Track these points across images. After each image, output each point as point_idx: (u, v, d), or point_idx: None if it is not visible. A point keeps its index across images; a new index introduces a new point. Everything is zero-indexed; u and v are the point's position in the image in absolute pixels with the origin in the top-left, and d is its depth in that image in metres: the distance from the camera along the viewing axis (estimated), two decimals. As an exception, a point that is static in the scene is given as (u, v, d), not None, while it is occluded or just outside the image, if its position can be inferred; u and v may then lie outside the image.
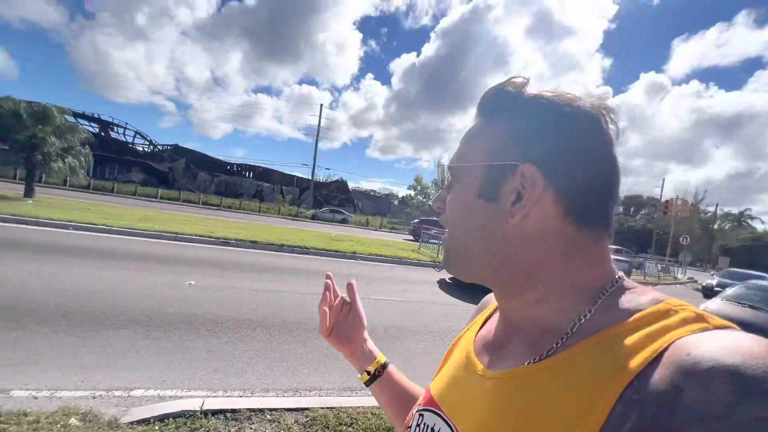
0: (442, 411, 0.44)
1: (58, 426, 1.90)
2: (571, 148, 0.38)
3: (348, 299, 0.67)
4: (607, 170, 0.38)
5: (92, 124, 38.90)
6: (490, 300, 0.55)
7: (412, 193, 48.99)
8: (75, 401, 2.27)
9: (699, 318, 0.32)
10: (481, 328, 0.51)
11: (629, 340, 0.32)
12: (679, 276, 18.36)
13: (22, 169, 13.65)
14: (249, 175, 46.98)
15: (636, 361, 0.30)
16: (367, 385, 0.66)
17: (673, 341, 0.30)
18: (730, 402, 0.25)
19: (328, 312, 0.64)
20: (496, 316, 0.48)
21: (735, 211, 53.40)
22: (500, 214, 0.39)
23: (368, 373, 0.65)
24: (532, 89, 0.41)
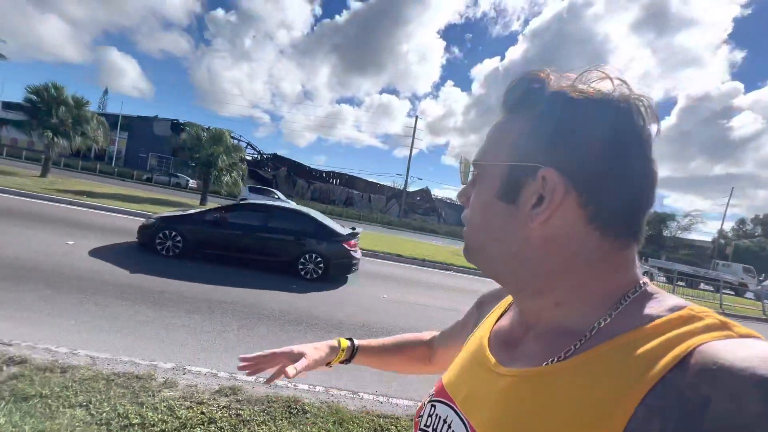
0: (454, 403, 0.43)
1: None
2: (598, 151, 0.35)
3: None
4: (638, 175, 0.36)
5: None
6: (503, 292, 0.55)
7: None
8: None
9: (723, 325, 0.31)
10: (497, 321, 0.50)
11: (650, 345, 0.31)
12: (726, 293, 14.35)
13: (199, 181, 16.32)
14: (336, 182, 49.71)
15: (658, 366, 0.29)
16: (346, 363, 0.73)
17: (696, 347, 0.29)
18: (762, 413, 0.24)
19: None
20: (512, 311, 0.48)
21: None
22: (520, 218, 0.38)
23: (343, 361, 0.73)
24: (557, 83, 0.38)
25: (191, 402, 2.40)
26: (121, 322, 3.42)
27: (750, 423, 0.24)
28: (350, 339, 0.74)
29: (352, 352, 0.72)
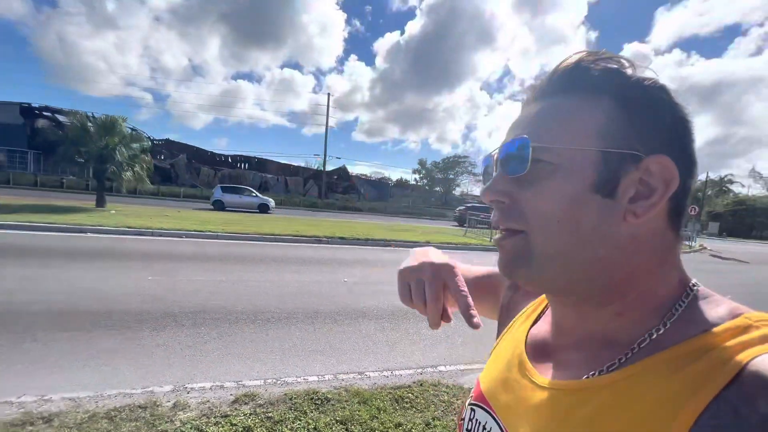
0: (493, 411, 0.42)
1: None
2: (683, 143, 0.34)
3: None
4: (696, 167, 0.35)
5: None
6: None
7: (417, 177, 49.45)
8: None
9: None
10: (534, 323, 0.47)
11: (703, 359, 0.28)
12: (693, 244, 19.74)
13: (92, 180, 13.86)
14: (245, 166, 46.52)
15: (712, 383, 0.27)
16: None
17: (752, 360, 0.27)
18: None
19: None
20: (550, 314, 0.44)
21: (716, 177, 55.99)
22: (618, 213, 0.33)
23: None
24: (639, 72, 0.35)
25: (215, 417, 2.35)
26: (80, 356, 3.01)
27: None
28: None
29: None
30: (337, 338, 3.82)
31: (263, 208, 19.65)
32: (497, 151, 0.39)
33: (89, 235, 7.76)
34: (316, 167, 48.92)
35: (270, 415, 2.41)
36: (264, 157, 47.18)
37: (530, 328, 0.46)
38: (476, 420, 0.44)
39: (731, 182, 54.83)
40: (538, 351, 0.42)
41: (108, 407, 2.37)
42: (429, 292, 0.46)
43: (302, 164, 48.45)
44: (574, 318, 0.39)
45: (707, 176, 51.35)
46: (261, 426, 2.29)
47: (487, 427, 0.42)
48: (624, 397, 0.31)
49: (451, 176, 52.74)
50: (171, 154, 42.88)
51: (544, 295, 0.48)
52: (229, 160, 47.02)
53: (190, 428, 2.21)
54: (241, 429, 2.24)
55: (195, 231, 8.80)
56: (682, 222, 0.35)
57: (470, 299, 0.44)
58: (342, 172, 50.28)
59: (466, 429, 0.46)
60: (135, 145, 12.17)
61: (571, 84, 0.36)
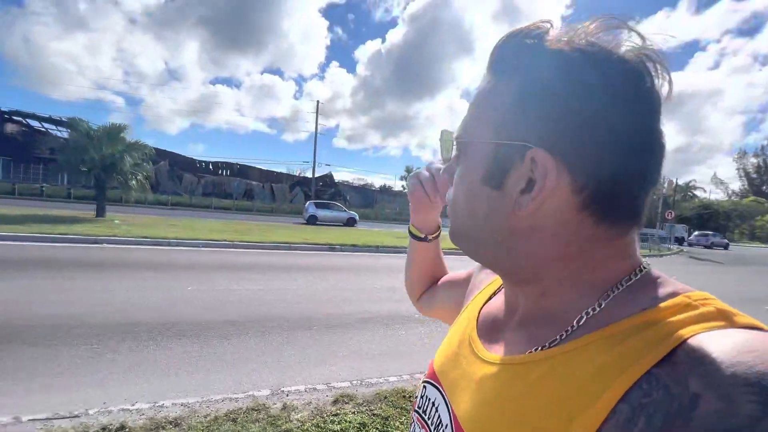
0: (442, 387, 0.43)
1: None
2: (597, 124, 0.30)
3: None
4: (643, 151, 0.31)
5: (59, 128, 36.64)
6: None
7: (404, 183, 49.95)
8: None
9: (721, 314, 0.28)
10: (486, 301, 0.48)
11: (639, 336, 0.28)
12: (672, 247, 20.96)
13: (90, 189, 13.53)
14: (227, 173, 45.75)
15: (644, 359, 0.27)
16: (416, 239, 0.68)
17: (686, 339, 0.26)
18: (754, 415, 0.22)
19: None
20: (502, 292, 0.45)
21: (680, 182, 59.41)
22: (507, 205, 0.34)
23: (425, 238, 0.67)
24: (557, 38, 0.32)
25: (328, 416, 2.53)
26: (162, 364, 3.11)
27: (742, 425, 0.22)
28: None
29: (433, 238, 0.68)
30: (401, 341, 4.05)
31: (351, 222, 20.27)
32: None
33: (105, 246, 7.65)
34: (297, 173, 48.67)
35: (376, 412, 2.61)
36: (246, 164, 46.56)
37: (482, 306, 0.47)
38: (426, 397, 0.45)
39: (695, 188, 58.32)
40: (488, 328, 0.43)
41: (223, 410, 2.51)
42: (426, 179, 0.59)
43: (284, 171, 47.99)
44: (512, 294, 0.41)
45: (676, 182, 54.32)
46: (372, 423, 2.49)
47: (436, 404, 0.43)
48: (560, 370, 0.31)
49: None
50: (153, 161, 41.65)
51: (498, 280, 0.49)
52: (211, 167, 46.09)
53: (312, 426, 2.39)
54: (357, 425, 2.44)
55: (209, 240, 8.79)
56: (618, 214, 0.33)
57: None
58: (327, 178, 50.17)
59: (417, 406, 0.47)
60: (136, 154, 11.98)
61: (491, 66, 0.36)
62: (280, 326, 4.11)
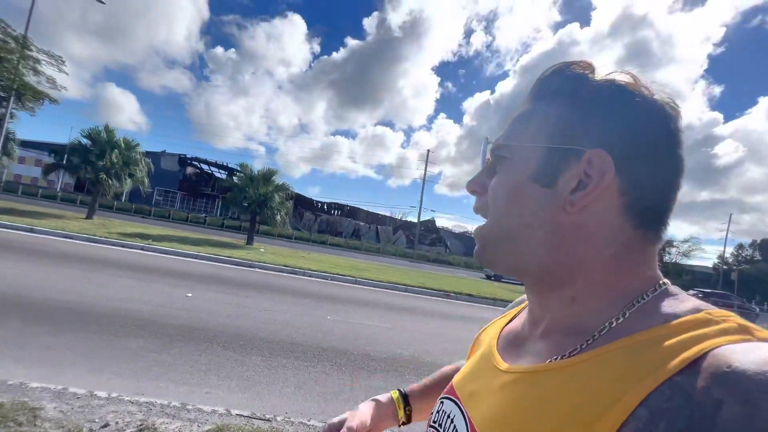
0: (459, 400, 0.43)
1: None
2: (642, 139, 0.35)
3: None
4: (674, 169, 0.36)
5: (221, 171, 45.91)
6: (524, 299, 0.52)
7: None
8: None
9: (743, 329, 0.29)
10: (509, 322, 0.49)
11: (660, 346, 0.29)
12: None
13: (236, 220, 16.54)
14: (338, 213, 49.69)
15: (666, 367, 0.27)
16: (408, 423, 0.66)
17: (710, 350, 0.27)
18: None
19: None
20: (524, 312, 0.47)
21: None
22: (557, 202, 0.36)
23: (404, 422, 0.65)
24: (600, 73, 0.38)
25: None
26: (325, 387, 3.36)
27: (763, 429, 0.23)
28: (398, 389, 0.67)
29: (405, 399, 0.66)
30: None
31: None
32: None
33: (257, 270, 9.01)
34: (399, 217, 50.40)
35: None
36: (354, 206, 50.27)
37: (503, 327, 0.49)
38: (443, 411, 0.46)
39: None
40: (508, 344, 0.44)
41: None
42: None
43: (387, 213, 50.21)
44: (539, 304, 0.41)
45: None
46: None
47: (452, 416, 0.44)
48: (579, 378, 0.31)
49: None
50: (291, 200, 48.06)
51: (524, 302, 0.50)
52: (325, 207, 51.16)
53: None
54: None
55: (336, 274, 9.57)
56: (652, 221, 0.36)
57: None
58: (430, 223, 50.76)
59: (433, 421, 0.48)
60: (282, 194, 14.26)
61: (538, 92, 0.41)
62: (420, 368, 4.11)
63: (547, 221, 0.37)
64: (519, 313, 0.50)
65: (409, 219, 49.94)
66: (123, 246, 9.10)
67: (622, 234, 0.35)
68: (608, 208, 0.35)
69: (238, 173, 14.03)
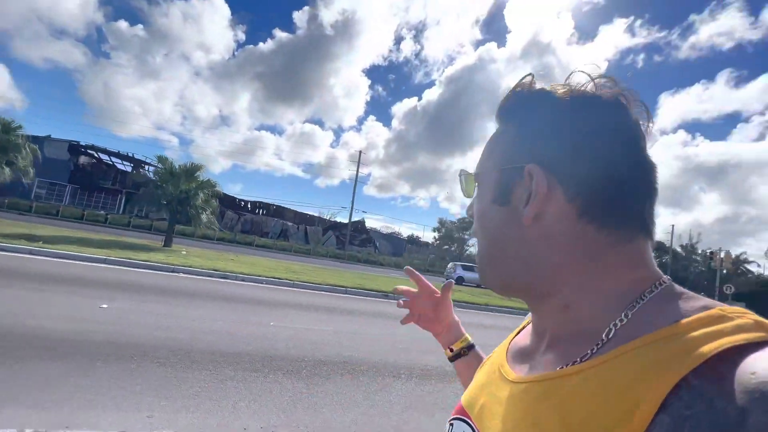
0: (471, 419, 0.43)
1: None
2: (580, 145, 0.36)
3: (438, 293, 0.75)
4: (628, 165, 0.36)
5: (125, 163, 40.30)
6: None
7: (436, 235, 49.89)
8: None
9: (759, 326, 0.28)
10: (515, 336, 0.49)
11: (673, 345, 0.28)
12: None
13: (146, 219, 14.64)
14: (263, 212, 47.36)
15: (680, 366, 0.26)
16: (451, 361, 0.71)
17: (726, 349, 0.26)
18: None
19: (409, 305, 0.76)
20: (530, 325, 0.46)
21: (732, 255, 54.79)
22: (516, 219, 0.38)
23: (451, 350, 0.70)
24: (539, 86, 0.40)
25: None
26: (277, 398, 3.21)
27: None
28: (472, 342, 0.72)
29: (469, 348, 0.70)
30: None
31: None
32: None
33: (181, 275, 8.13)
34: (328, 218, 49.81)
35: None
36: (281, 205, 48.16)
37: (511, 341, 0.49)
38: None
39: (747, 261, 54.13)
40: (517, 357, 0.44)
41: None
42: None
43: (316, 214, 49.32)
44: (537, 316, 0.42)
45: (725, 253, 50.74)
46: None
47: None
48: (592, 383, 0.30)
49: (465, 236, 53.12)
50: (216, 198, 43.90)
51: (527, 318, 0.51)
52: (249, 206, 48.15)
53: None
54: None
55: (271, 278, 9.11)
56: (615, 219, 0.36)
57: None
58: (360, 224, 50.91)
59: None
60: (207, 191, 13.04)
61: (498, 117, 0.44)
62: (373, 369, 4.14)
63: (513, 238, 0.39)
64: (526, 326, 0.50)
65: (338, 219, 49.54)
66: (3, 250, 7.49)
67: (586, 237, 0.36)
68: (562, 215, 0.36)
69: (152, 166, 12.49)
